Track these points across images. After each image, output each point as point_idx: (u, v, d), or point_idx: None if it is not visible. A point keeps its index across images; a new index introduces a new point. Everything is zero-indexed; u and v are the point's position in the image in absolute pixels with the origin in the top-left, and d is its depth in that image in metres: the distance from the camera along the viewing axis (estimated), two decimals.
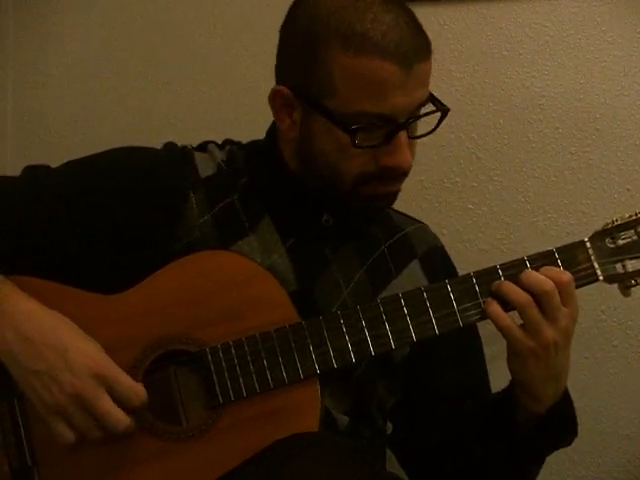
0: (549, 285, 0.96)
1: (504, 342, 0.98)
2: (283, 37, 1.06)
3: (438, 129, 1.06)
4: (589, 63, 1.49)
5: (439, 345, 1.12)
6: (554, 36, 1.50)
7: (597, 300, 1.51)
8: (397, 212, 1.24)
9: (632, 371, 1.51)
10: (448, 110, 1.05)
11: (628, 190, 1.48)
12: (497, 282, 0.99)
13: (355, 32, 0.97)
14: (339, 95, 0.99)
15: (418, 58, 0.99)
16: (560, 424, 1.04)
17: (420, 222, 1.25)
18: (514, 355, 0.99)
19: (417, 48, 0.99)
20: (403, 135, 1.01)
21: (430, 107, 1.05)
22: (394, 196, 1.09)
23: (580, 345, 1.52)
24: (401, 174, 1.04)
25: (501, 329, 0.98)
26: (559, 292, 0.96)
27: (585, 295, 1.50)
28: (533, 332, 0.96)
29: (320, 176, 1.07)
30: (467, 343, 1.19)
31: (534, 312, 0.96)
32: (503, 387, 1.07)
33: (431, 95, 1.06)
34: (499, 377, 1.50)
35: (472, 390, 1.16)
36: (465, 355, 1.18)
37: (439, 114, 1.05)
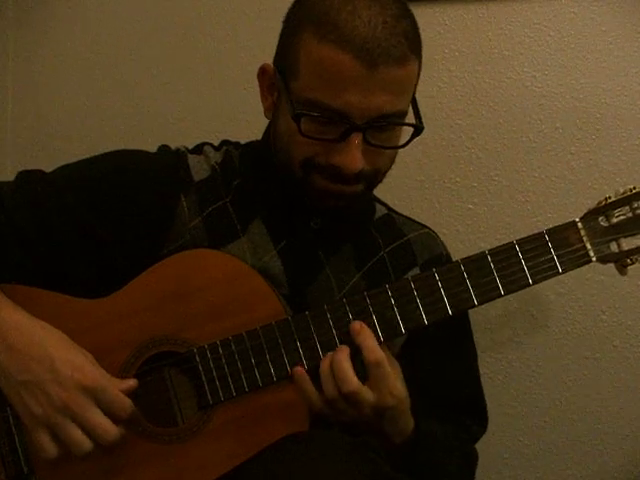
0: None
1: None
2: (284, 20, 1.05)
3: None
4: (589, 63, 1.49)
5: (427, 346, 1.12)
6: (554, 36, 1.50)
7: (597, 300, 1.51)
8: (402, 216, 1.22)
9: (632, 371, 1.51)
10: (421, 129, 1.01)
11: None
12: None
13: (328, 20, 0.95)
14: (300, 79, 0.98)
15: (386, 60, 0.94)
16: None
17: (427, 228, 1.22)
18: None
19: (388, 49, 0.94)
20: (356, 137, 0.97)
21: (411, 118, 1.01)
22: (349, 197, 1.04)
23: (580, 345, 1.52)
24: (349, 176, 1.00)
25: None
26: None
27: (585, 295, 1.51)
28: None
29: (280, 164, 1.06)
30: (455, 345, 1.17)
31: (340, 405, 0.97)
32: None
33: (415, 107, 1.02)
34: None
35: (451, 396, 1.15)
36: (450, 359, 1.16)
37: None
